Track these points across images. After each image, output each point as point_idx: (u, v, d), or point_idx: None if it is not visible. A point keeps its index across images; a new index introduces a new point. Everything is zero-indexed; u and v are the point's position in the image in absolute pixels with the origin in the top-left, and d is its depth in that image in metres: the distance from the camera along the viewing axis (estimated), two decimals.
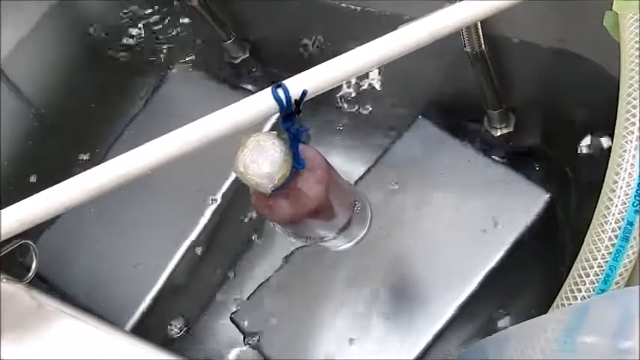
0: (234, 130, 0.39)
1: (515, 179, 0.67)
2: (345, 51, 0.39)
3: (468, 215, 0.65)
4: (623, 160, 0.40)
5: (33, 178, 0.81)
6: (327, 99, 0.84)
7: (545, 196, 0.64)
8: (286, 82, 0.38)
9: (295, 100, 0.38)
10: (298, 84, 0.38)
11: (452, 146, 0.70)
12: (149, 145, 0.38)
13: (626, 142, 0.41)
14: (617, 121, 0.42)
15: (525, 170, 0.68)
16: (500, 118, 0.72)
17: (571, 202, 0.68)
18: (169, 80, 0.84)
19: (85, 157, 0.85)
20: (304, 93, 0.38)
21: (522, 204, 0.64)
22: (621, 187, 0.40)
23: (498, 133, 0.74)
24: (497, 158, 0.70)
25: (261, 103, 0.38)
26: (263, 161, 0.39)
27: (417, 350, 0.62)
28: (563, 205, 0.67)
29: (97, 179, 0.39)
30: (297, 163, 0.41)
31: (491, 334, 0.46)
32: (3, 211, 0.39)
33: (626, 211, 0.40)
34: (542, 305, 0.62)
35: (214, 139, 0.39)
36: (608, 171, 0.41)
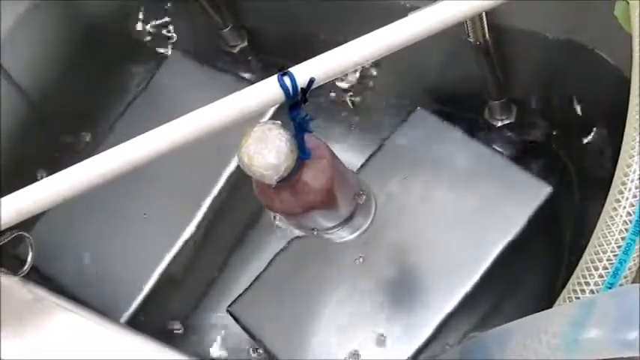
0: (238, 119, 0.38)
1: (516, 171, 0.65)
2: (345, 40, 0.38)
3: (469, 207, 0.65)
4: (635, 152, 0.40)
5: (28, 167, 0.80)
6: (325, 89, 0.83)
7: (547, 189, 0.63)
8: (293, 70, 0.37)
9: (301, 88, 0.37)
10: (305, 71, 0.37)
11: (452, 137, 0.69)
12: (151, 134, 0.37)
13: (638, 134, 0.40)
14: (629, 112, 0.41)
15: (527, 162, 0.68)
16: (501, 108, 0.72)
17: (573, 194, 0.68)
18: (166, 67, 0.83)
19: (80, 145, 0.84)
20: (311, 81, 0.37)
21: (524, 196, 0.63)
22: (632, 180, 0.40)
23: (499, 124, 0.73)
24: (497, 149, 0.70)
25: (267, 91, 0.37)
26: (268, 152, 0.38)
27: (418, 343, 0.61)
28: (565, 198, 0.67)
29: (96, 168, 0.38)
30: (302, 154, 0.40)
31: (493, 327, 0.45)
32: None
33: (637, 204, 0.39)
34: (543, 298, 0.62)
35: (217, 129, 0.38)
36: (619, 163, 0.41)
